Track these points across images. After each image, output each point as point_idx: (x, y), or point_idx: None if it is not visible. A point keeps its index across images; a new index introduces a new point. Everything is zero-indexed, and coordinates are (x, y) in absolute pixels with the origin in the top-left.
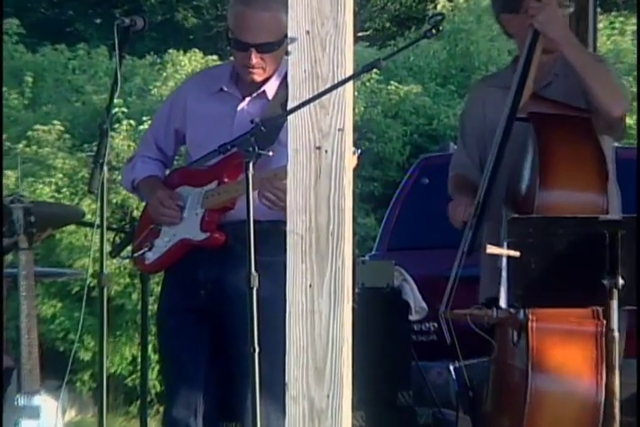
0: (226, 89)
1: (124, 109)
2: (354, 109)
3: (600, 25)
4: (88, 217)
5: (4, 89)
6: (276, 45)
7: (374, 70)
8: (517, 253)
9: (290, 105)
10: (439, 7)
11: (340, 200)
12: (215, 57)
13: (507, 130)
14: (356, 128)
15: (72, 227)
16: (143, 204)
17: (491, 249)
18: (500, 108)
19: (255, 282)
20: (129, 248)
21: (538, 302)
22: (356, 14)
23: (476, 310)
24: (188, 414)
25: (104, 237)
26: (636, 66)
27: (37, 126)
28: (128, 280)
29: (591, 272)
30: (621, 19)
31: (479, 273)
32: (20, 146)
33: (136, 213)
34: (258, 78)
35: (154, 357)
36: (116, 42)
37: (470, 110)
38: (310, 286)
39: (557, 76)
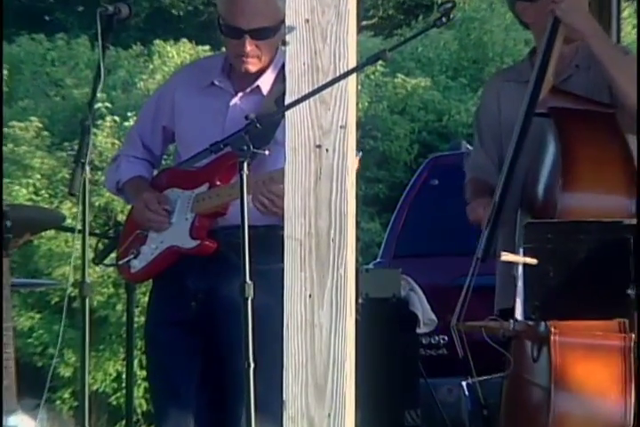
0: (217, 83)
1: (108, 105)
2: (357, 105)
3: (624, 13)
4: (69, 221)
5: None
6: (272, 31)
7: (379, 62)
8: (534, 261)
9: (287, 100)
10: None
11: (341, 203)
12: (206, 47)
13: (524, 126)
14: (359, 125)
15: (51, 232)
16: (128, 207)
17: (505, 256)
18: (517, 104)
19: (250, 292)
20: (113, 255)
21: (556, 313)
22: (359, 1)
23: (492, 321)
24: None
25: (86, 244)
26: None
27: (13, 123)
28: (112, 290)
29: (614, 281)
30: None
31: (494, 282)
32: None
33: (121, 218)
34: (252, 68)
35: (140, 373)
36: (99, 31)
37: (485, 106)
38: (310, 296)
39: (578, 69)
